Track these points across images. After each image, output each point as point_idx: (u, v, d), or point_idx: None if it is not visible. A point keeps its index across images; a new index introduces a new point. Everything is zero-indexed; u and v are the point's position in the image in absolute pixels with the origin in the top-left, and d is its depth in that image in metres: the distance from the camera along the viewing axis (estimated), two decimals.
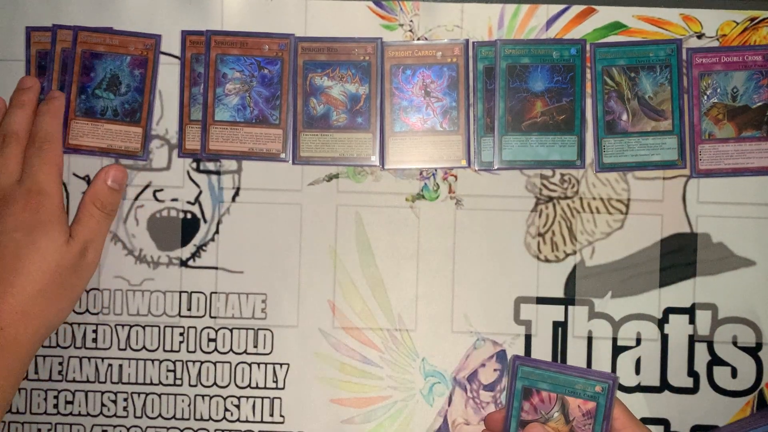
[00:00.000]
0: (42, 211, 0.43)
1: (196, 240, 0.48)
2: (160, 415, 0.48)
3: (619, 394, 0.47)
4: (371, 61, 0.48)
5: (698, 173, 0.47)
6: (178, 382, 0.48)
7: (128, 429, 0.48)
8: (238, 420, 0.48)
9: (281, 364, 0.48)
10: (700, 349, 0.48)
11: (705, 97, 0.47)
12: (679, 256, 0.48)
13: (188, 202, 0.49)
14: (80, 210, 0.46)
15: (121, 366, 0.49)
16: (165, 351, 0.48)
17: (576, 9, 0.48)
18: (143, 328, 0.48)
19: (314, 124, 0.48)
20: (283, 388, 0.48)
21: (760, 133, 0.47)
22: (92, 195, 0.46)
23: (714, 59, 0.47)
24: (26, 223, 0.43)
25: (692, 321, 0.48)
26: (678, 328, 0.48)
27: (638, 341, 0.48)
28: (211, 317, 0.48)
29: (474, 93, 0.48)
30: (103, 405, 0.48)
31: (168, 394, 0.48)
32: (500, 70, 0.47)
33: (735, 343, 0.48)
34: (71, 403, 0.48)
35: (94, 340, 0.48)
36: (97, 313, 0.48)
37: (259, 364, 0.48)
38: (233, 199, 0.48)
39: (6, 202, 0.43)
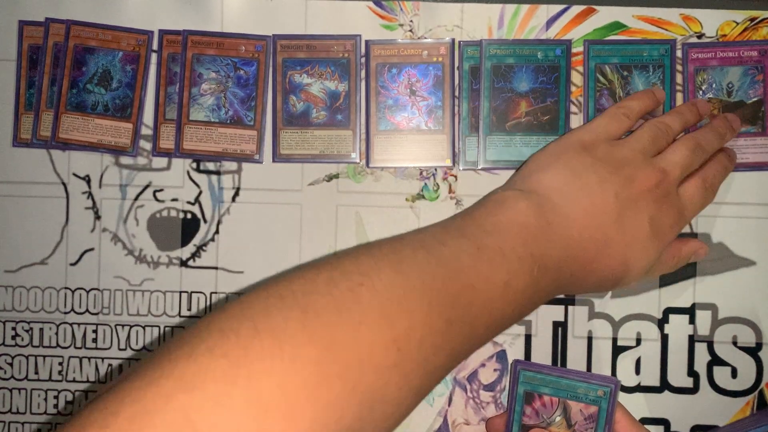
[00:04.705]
0: (669, 234, 0.41)
1: (196, 240, 0.48)
2: None
3: (619, 395, 0.47)
4: (350, 58, 0.48)
5: None
6: None
7: None
8: None
9: None
10: (700, 349, 0.48)
11: (700, 92, 0.47)
12: None
13: (188, 202, 0.49)
14: (668, 259, 0.43)
15: (121, 366, 0.49)
16: None
17: (576, 9, 0.48)
18: (143, 328, 0.48)
19: (294, 121, 0.48)
20: None
21: (756, 129, 0.47)
22: (678, 250, 0.44)
23: (709, 54, 0.47)
24: (661, 227, 0.41)
25: (692, 321, 0.48)
26: (678, 328, 0.48)
27: (638, 341, 0.48)
28: None
29: (460, 92, 0.48)
30: None
31: None
32: (485, 69, 0.47)
33: (735, 343, 0.48)
34: (71, 403, 0.48)
35: (94, 340, 0.48)
36: (97, 313, 0.49)
37: None
38: (233, 199, 0.48)
39: (663, 195, 0.41)
